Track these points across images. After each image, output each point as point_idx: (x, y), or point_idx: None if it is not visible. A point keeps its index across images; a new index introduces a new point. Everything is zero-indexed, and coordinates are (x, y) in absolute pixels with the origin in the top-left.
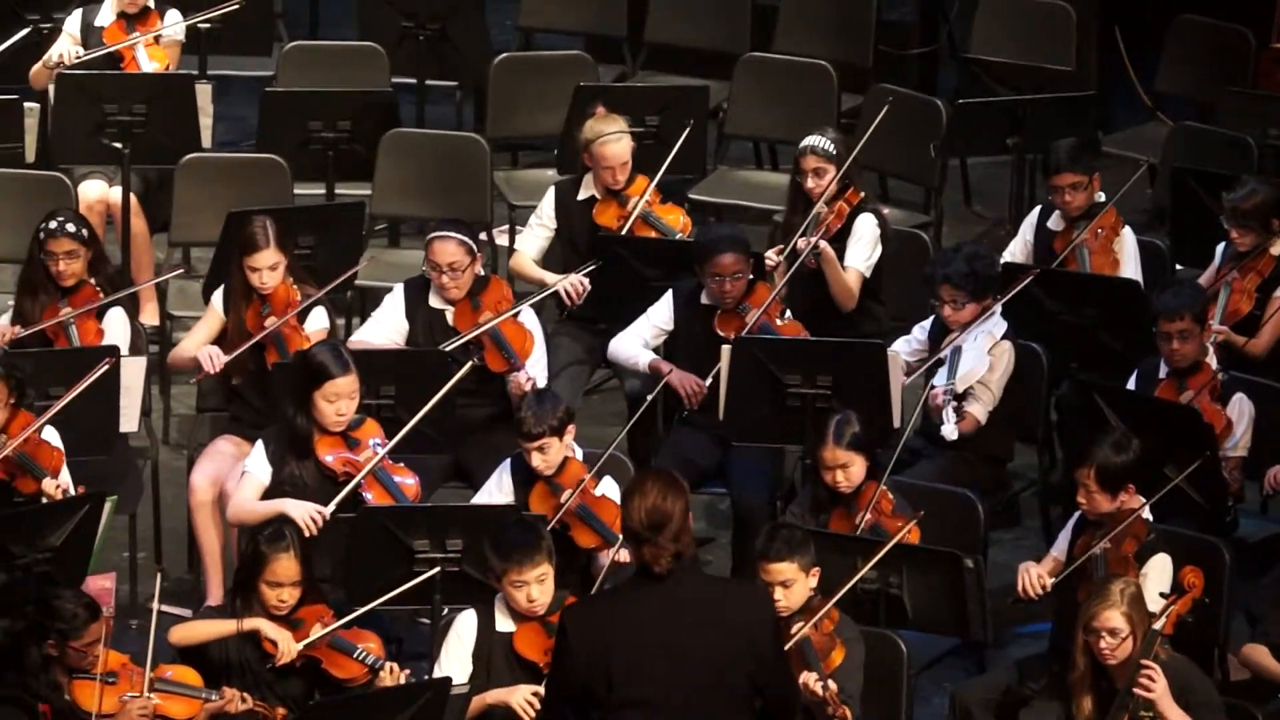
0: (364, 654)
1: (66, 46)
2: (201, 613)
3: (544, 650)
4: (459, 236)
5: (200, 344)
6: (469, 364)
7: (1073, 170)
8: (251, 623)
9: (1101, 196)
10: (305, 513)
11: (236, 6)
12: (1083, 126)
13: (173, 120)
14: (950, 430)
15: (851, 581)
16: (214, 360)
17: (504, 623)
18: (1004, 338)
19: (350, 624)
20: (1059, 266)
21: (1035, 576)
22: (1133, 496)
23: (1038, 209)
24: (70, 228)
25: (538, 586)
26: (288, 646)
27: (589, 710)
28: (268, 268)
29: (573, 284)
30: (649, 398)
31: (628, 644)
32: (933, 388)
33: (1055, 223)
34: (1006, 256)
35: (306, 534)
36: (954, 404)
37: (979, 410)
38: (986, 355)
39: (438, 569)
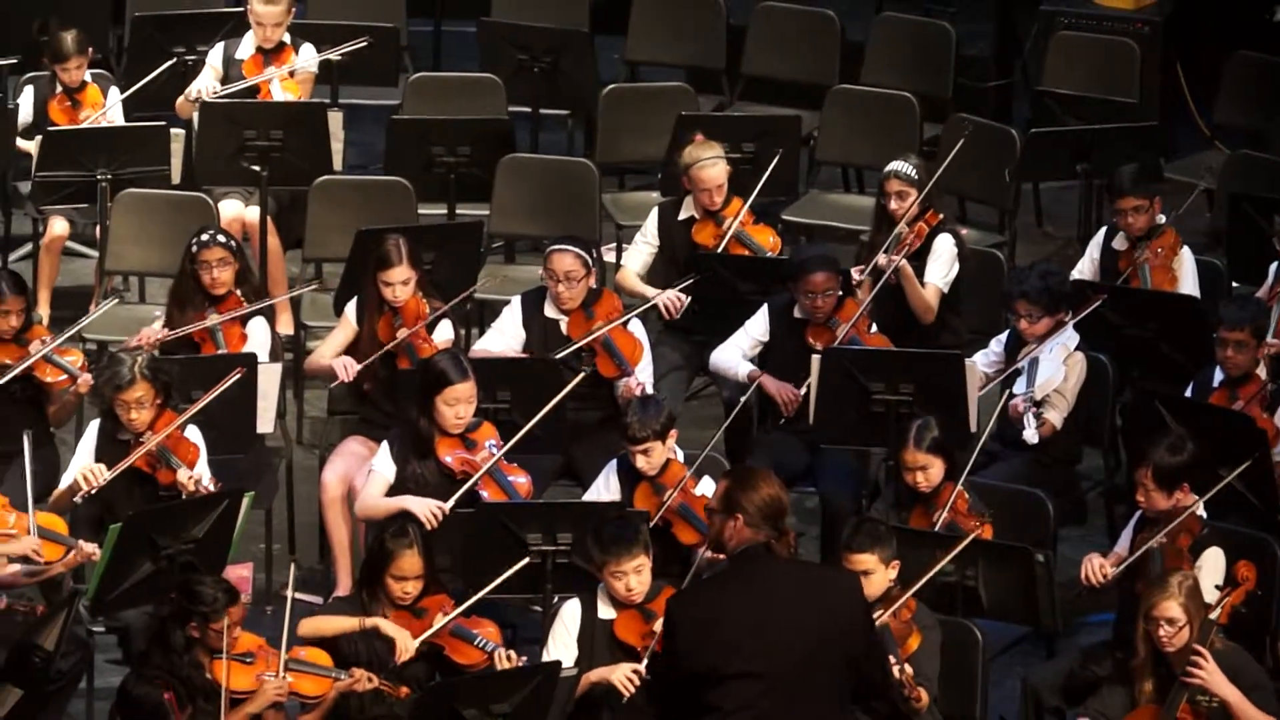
0: (483, 641)
1: (209, 80)
2: (330, 602)
3: (641, 635)
4: (576, 250)
5: (335, 352)
6: (582, 373)
7: (1135, 194)
8: (372, 621)
9: (1162, 219)
10: (426, 508)
11: (367, 43)
12: (1146, 154)
13: (307, 145)
14: (1031, 435)
15: (929, 574)
16: (348, 369)
17: (605, 610)
18: (1076, 349)
19: (469, 612)
20: (1123, 283)
21: (1097, 565)
22: (1187, 494)
23: (1103, 230)
24: (221, 239)
25: (635, 577)
26: (406, 644)
27: (697, 690)
28: (400, 282)
29: (670, 299)
30: (743, 399)
31: (732, 622)
32: (1012, 396)
33: (1119, 243)
34: (1075, 274)
35: (428, 528)
36: (1034, 410)
37: (1055, 417)
38: (1062, 365)
39: (527, 559)
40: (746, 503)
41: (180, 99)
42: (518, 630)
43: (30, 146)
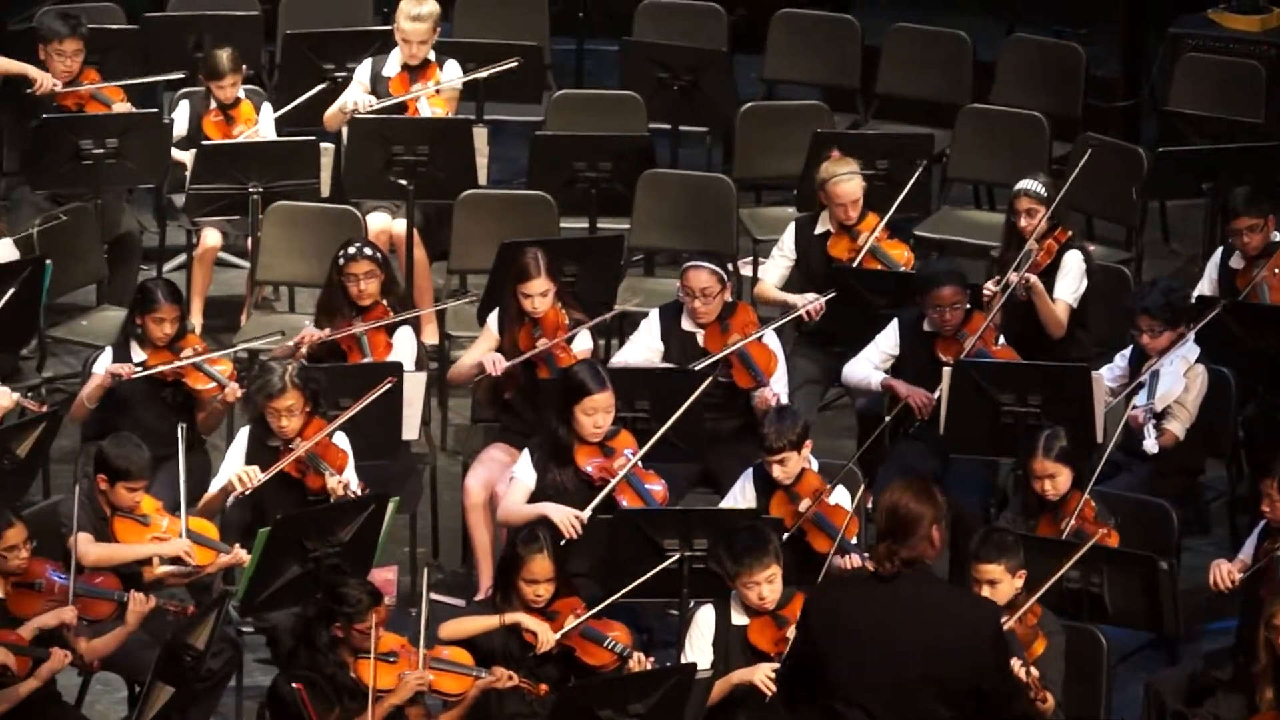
0: (613, 643)
1: (358, 95)
2: (471, 605)
3: (774, 641)
4: (711, 266)
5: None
6: (708, 379)
7: (1248, 214)
8: (513, 617)
9: (1277, 236)
10: (565, 517)
11: (515, 64)
12: (1270, 173)
13: (452, 160)
14: (1151, 444)
15: (1052, 579)
16: (496, 365)
17: (739, 616)
18: (1198, 362)
19: (600, 614)
20: (1243, 301)
21: (1226, 571)
22: None
23: (1220, 250)
24: (368, 251)
25: (768, 586)
26: (546, 636)
27: (817, 689)
28: (539, 294)
29: (813, 305)
30: (887, 419)
31: (849, 634)
32: (1134, 407)
33: (1236, 261)
34: (1196, 293)
35: (567, 536)
36: (1153, 421)
37: (1177, 427)
38: (1182, 378)
39: (672, 559)
40: (877, 510)
41: (331, 109)
42: (653, 634)
43: (184, 158)
